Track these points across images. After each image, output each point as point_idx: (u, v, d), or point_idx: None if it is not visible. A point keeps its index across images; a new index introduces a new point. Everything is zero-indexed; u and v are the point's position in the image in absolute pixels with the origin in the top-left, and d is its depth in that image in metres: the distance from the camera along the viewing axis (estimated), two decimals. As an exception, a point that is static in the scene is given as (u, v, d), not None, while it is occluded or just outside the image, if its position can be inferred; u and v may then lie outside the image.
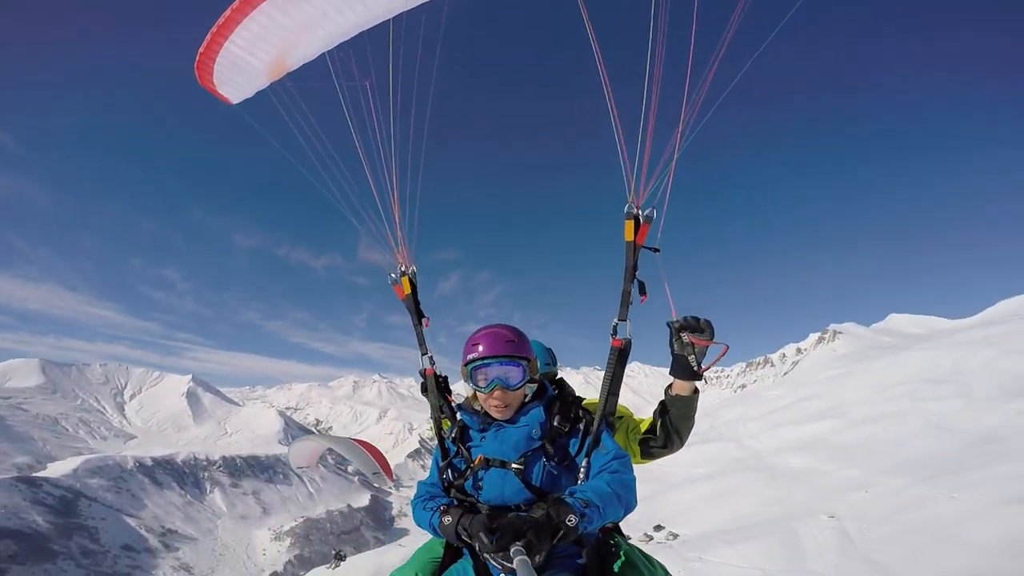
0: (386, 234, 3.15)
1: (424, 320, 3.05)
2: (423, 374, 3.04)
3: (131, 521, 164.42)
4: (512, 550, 1.77)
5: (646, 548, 11.60)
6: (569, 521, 1.88)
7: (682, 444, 2.77)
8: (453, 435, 2.50)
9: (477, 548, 1.90)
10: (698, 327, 2.51)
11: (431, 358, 3.03)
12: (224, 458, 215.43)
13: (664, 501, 15.94)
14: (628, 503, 2.08)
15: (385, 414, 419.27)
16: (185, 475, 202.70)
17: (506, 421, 2.37)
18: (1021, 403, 15.09)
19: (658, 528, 13.23)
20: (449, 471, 2.44)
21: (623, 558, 2.21)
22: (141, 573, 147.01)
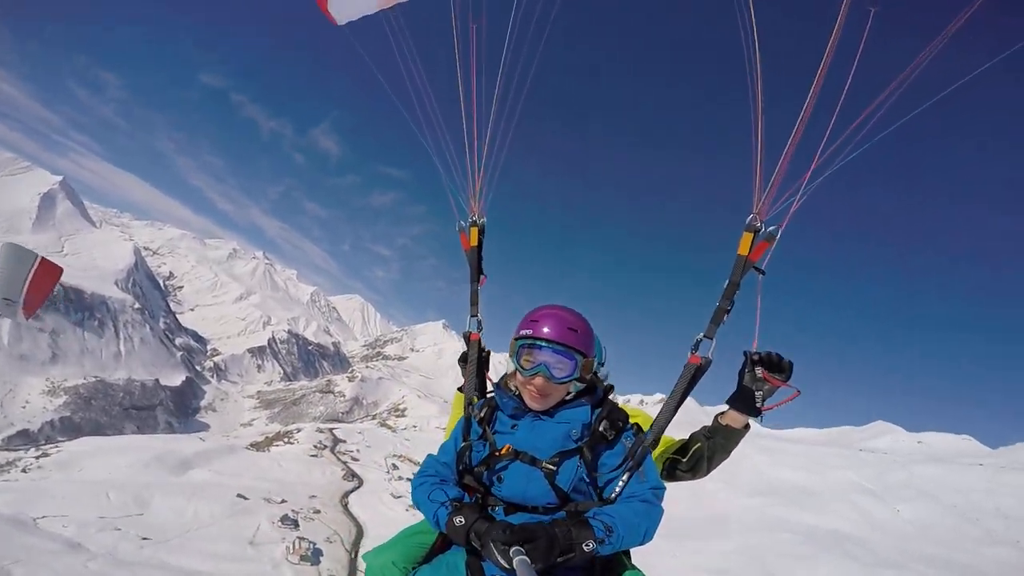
0: (467, 178, 2.92)
1: (482, 277, 2.82)
2: (467, 338, 2.73)
3: None
4: (512, 550, 1.74)
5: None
6: (586, 546, 1.83)
7: (708, 473, 2.64)
8: (482, 414, 2.27)
9: (485, 554, 1.86)
10: (779, 366, 2.36)
11: (480, 322, 2.74)
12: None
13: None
14: (647, 536, 1.99)
15: (247, 297, 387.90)
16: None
17: (543, 413, 2.18)
18: (756, 500, 17.81)
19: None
20: (468, 454, 2.24)
21: None
22: None
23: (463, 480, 2.23)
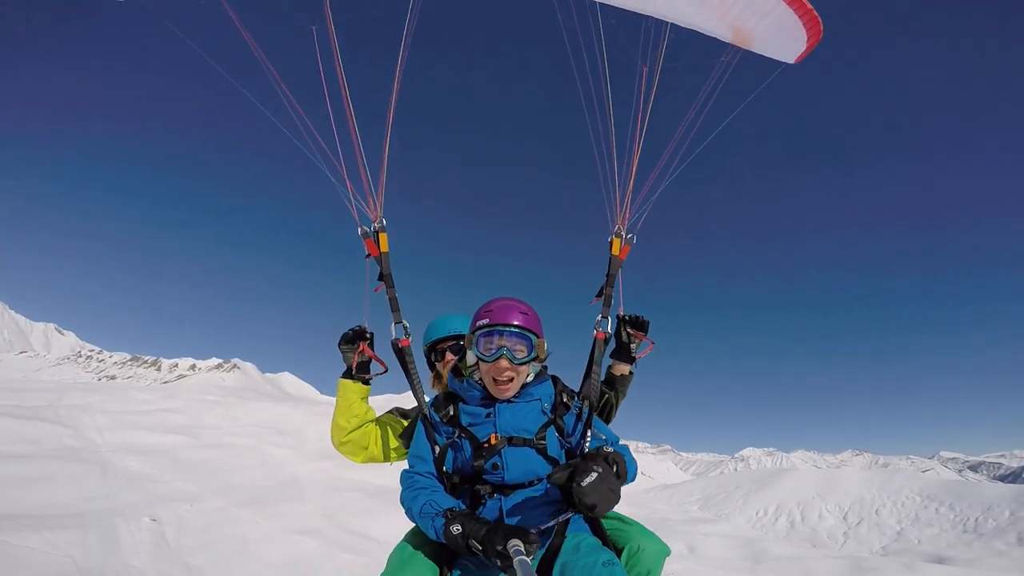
0: (361, 179, 2.78)
1: (379, 286, 2.79)
2: (395, 346, 2.66)
3: None
4: (511, 550, 1.76)
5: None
6: (608, 448, 2.06)
7: (615, 417, 3.07)
8: (451, 414, 2.31)
9: (485, 557, 1.87)
10: (642, 325, 3.04)
11: (406, 327, 2.68)
12: None
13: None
14: (635, 470, 2.21)
15: None
16: None
17: (513, 398, 2.29)
18: (324, 464, 20.66)
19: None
20: (452, 455, 2.27)
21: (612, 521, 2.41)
22: None
23: (451, 480, 2.28)
